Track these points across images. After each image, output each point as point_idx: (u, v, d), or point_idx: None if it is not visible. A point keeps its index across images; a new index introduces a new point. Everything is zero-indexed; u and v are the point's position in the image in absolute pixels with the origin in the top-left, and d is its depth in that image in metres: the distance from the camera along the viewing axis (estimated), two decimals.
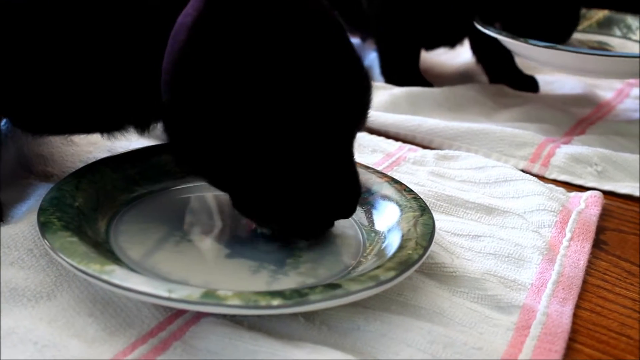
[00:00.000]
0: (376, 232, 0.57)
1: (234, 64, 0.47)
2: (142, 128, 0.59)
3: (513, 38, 0.87)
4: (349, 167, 0.52)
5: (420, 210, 0.57)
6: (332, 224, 0.55)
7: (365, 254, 0.54)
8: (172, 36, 0.50)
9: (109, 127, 0.59)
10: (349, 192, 0.52)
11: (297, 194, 0.50)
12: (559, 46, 0.84)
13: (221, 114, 0.48)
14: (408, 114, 0.87)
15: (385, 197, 0.60)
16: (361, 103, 0.51)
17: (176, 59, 0.49)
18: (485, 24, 0.91)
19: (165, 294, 0.44)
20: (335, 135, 0.50)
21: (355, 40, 1.15)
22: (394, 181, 0.62)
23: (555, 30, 0.91)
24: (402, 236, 0.54)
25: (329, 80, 0.48)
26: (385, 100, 0.89)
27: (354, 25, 1.05)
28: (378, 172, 0.63)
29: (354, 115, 0.50)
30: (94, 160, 0.61)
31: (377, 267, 0.49)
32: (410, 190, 0.60)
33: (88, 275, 0.45)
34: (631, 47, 0.96)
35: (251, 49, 0.47)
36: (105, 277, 0.45)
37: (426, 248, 0.52)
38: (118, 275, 0.45)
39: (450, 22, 0.95)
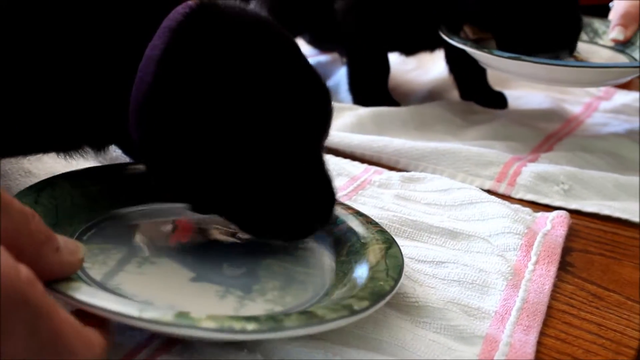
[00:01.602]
0: (343, 263, 0.56)
1: (203, 95, 0.50)
2: (99, 148, 0.59)
3: (477, 48, 0.86)
4: (322, 173, 0.55)
5: (387, 243, 0.56)
6: (314, 229, 0.56)
7: (333, 284, 0.54)
8: (140, 68, 0.51)
9: (66, 146, 0.59)
10: (324, 194, 0.55)
11: (276, 203, 0.53)
12: (523, 57, 0.83)
13: (195, 142, 0.50)
14: (374, 135, 0.86)
15: (351, 230, 0.59)
16: (323, 114, 0.55)
17: (146, 92, 0.51)
18: (452, 31, 0.90)
19: (136, 314, 0.42)
20: (303, 148, 0.54)
21: (328, 57, 1.15)
22: (358, 214, 0.61)
23: (556, 41, 0.88)
24: (371, 268, 0.53)
25: (292, 98, 0.52)
26: (352, 121, 0.89)
27: (328, 41, 1.05)
28: (343, 204, 0.62)
29: (318, 126, 0.55)
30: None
31: (350, 297, 0.49)
32: (376, 223, 0.60)
33: (53, 290, 0.43)
34: (598, 52, 0.95)
35: (218, 79, 0.50)
36: (71, 293, 0.43)
37: (397, 280, 0.51)
38: (85, 292, 0.43)
39: (424, 29, 0.94)
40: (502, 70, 0.89)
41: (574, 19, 0.87)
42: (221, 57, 0.51)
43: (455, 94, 1.03)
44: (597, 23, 0.98)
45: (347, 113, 0.91)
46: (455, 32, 0.91)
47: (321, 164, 0.56)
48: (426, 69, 1.14)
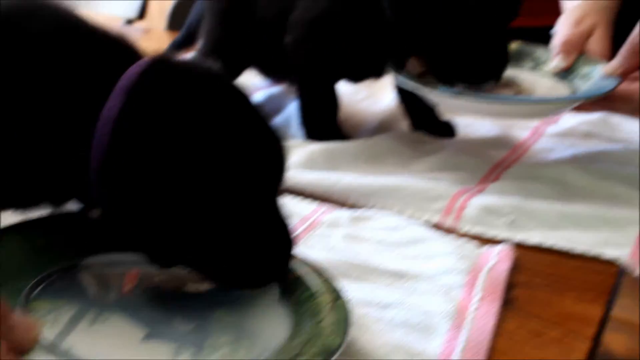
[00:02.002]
0: (293, 313, 0.58)
1: (159, 153, 0.52)
2: (59, 204, 0.61)
3: (420, 84, 0.88)
4: (279, 220, 0.57)
5: (335, 293, 0.58)
6: (273, 277, 0.58)
7: (284, 336, 0.55)
8: (98, 129, 0.53)
9: (27, 204, 0.60)
10: (282, 242, 0.58)
11: (235, 252, 0.55)
12: (465, 94, 0.86)
13: (154, 198, 0.52)
14: (325, 171, 0.88)
15: (300, 279, 0.60)
16: (276, 164, 0.57)
17: (105, 151, 0.53)
18: (399, 65, 0.92)
19: None
20: (259, 197, 0.56)
21: (280, 88, 1.16)
22: (305, 263, 0.62)
23: (485, 67, 0.90)
24: (320, 321, 0.55)
25: (246, 151, 0.54)
26: (303, 159, 0.90)
27: (279, 72, 1.07)
28: None
29: (272, 176, 0.57)
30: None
31: (302, 353, 0.50)
32: (324, 272, 0.61)
33: None
34: (540, 81, 0.97)
35: (172, 137, 0.52)
36: None
37: (346, 332, 0.53)
38: None
39: (371, 59, 0.96)
40: (447, 105, 0.91)
41: (500, 51, 0.89)
42: (174, 115, 0.53)
43: (406, 124, 1.05)
44: (539, 51, 1.00)
45: (297, 150, 0.92)
46: (402, 66, 0.93)
47: (277, 212, 0.58)
48: (377, 98, 1.15)
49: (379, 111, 1.11)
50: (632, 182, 0.90)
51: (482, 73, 0.89)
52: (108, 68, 0.56)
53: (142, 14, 1.95)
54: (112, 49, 0.58)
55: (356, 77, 1.01)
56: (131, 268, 0.62)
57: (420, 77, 0.92)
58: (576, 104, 0.90)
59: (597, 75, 0.90)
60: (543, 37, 1.03)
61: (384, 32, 0.89)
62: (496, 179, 0.89)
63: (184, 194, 0.53)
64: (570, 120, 1.10)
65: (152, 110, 0.53)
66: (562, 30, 0.96)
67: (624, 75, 0.87)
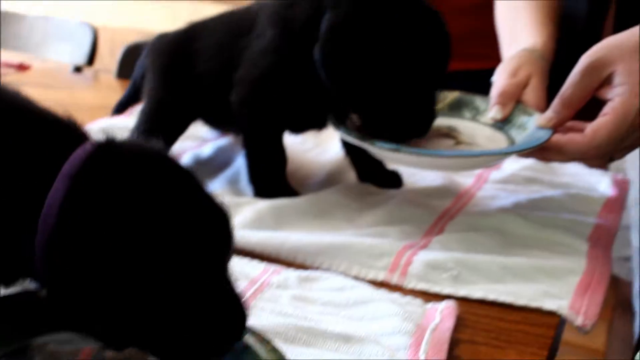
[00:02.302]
0: None
1: (104, 237, 0.53)
2: (8, 284, 0.62)
3: (360, 139, 0.90)
4: (229, 293, 0.58)
5: None
6: (226, 349, 0.59)
7: None
8: (44, 213, 0.54)
9: None
10: (234, 314, 0.58)
11: (185, 328, 0.55)
12: (402, 148, 0.88)
13: (101, 281, 0.53)
14: (273, 229, 0.90)
15: (247, 349, 0.61)
16: (224, 239, 0.58)
17: (50, 236, 0.54)
18: (340, 119, 0.94)
19: None
20: (208, 273, 0.56)
21: (229, 141, 1.18)
22: (252, 333, 0.64)
23: (411, 124, 0.93)
24: None
25: (192, 229, 0.55)
26: (251, 217, 0.92)
27: (226, 125, 1.09)
28: None
29: (220, 251, 0.58)
30: None
31: None
32: (269, 342, 0.62)
33: None
34: (478, 130, 0.99)
35: (117, 220, 0.53)
36: None
37: None
38: None
39: (313, 113, 0.99)
40: (388, 158, 0.94)
41: (426, 108, 0.92)
42: (117, 199, 0.54)
43: (353, 175, 1.07)
44: (478, 101, 1.03)
45: (246, 208, 0.94)
46: (342, 120, 0.95)
47: (228, 283, 0.58)
48: (324, 147, 1.18)
49: (326, 161, 1.13)
50: (572, 229, 0.93)
51: (409, 129, 0.92)
52: (54, 151, 0.57)
53: (91, 59, 1.96)
54: (58, 131, 0.60)
55: (298, 130, 1.04)
56: (84, 346, 0.62)
57: (360, 131, 0.94)
58: (511, 156, 0.93)
59: (532, 126, 0.92)
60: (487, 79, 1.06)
61: (322, 90, 0.92)
62: (440, 231, 0.92)
63: (128, 277, 0.53)
64: (512, 165, 1.13)
65: (95, 195, 0.54)
66: (499, 80, 0.98)
67: (556, 126, 0.90)
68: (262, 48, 0.95)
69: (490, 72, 1.01)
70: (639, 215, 1.33)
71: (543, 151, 0.89)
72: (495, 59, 1.07)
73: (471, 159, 0.91)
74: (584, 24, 1.29)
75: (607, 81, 0.87)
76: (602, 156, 0.88)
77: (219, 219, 0.58)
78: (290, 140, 1.07)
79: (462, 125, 1.00)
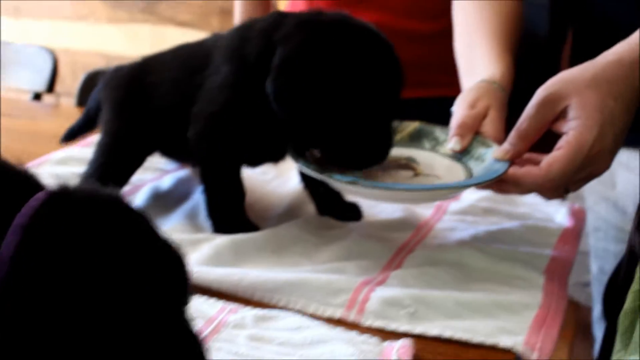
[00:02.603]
0: None
1: (56, 292, 0.53)
2: None
3: (317, 172, 0.91)
4: (187, 336, 0.59)
5: None
6: None
7: None
8: None
9: None
10: (193, 356, 0.59)
11: None
12: (360, 182, 0.88)
13: (56, 336, 0.53)
14: (232, 265, 0.90)
15: None
16: (180, 283, 0.59)
17: (1, 290, 0.53)
18: (298, 152, 0.95)
19: None
20: (166, 316, 0.57)
21: (187, 173, 1.18)
22: None
23: (369, 153, 0.94)
24: None
25: (146, 275, 0.55)
26: (208, 254, 0.91)
27: (184, 157, 1.10)
28: None
29: (177, 295, 0.58)
30: None
31: None
32: None
33: None
34: (437, 161, 1.00)
35: (70, 273, 0.53)
36: None
37: None
38: None
39: (271, 147, 1.00)
40: (346, 191, 0.94)
41: (383, 137, 0.93)
42: (70, 249, 0.54)
43: (313, 207, 1.07)
44: (438, 131, 1.03)
45: (204, 245, 0.94)
46: (300, 152, 0.95)
47: (186, 326, 0.59)
48: (286, 177, 1.18)
49: (287, 193, 1.14)
50: (528, 261, 0.94)
51: (367, 158, 0.93)
52: (6, 202, 0.57)
53: (51, 87, 1.94)
54: (9, 182, 0.59)
55: (256, 163, 1.04)
56: None
57: (319, 163, 0.94)
58: (468, 189, 0.93)
59: (490, 158, 0.93)
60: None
61: (278, 123, 0.93)
62: (398, 265, 0.92)
63: (82, 328, 0.53)
64: (471, 196, 1.15)
65: (47, 246, 0.54)
66: (458, 112, 0.99)
67: (513, 159, 0.90)
68: (217, 84, 0.96)
69: (454, 99, 1.02)
70: (596, 243, 1.35)
71: (500, 184, 0.90)
72: (458, 86, 1.08)
73: (427, 192, 0.92)
74: (543, 49, 1.32)
75: (562, 115, 0.87)
76: (557, 189, 0.89)
77: (173, 263, 0.58)
78: (252, 171, 1.07)
79: (422, 156, 1.01)
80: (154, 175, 1.18)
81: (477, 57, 1.08)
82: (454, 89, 1.08)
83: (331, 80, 0.89)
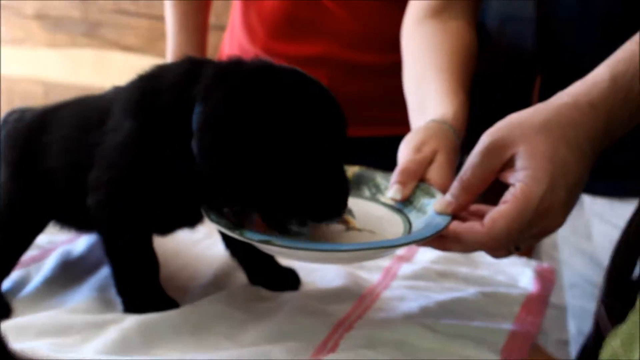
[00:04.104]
0: None
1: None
2: None
3: (228, 228, 0.85)
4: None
5: None
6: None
7: None
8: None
9: None
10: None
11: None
12: (274, 240, 0.83)
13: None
14: (140, 353, 0.84)
15: None
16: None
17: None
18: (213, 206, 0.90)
19: None
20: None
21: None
22: None
23: (322, 206, 0.88)
24: None
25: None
26: (114, 339, 0.85)
27: (87, 230, 1.04)
28: None
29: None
30: None
31: None
32: None
33: None
34: (375, 212, 0.95)
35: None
36: None
37: None
38: None
39: (183, 211, 0.96)
40: (264, 250, 0.89)
41: (335, 185, 0.88)
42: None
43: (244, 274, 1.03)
44: (379, 177, 0.98)
45: (110, 328, 0.88)
46: (216, 207, 0.90)
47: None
48: (215, 239, 1.13)
49: (216, 257, 1.09)
50: (483, 339, 0.89)
51: (321, 212, 0.88)
52: None
53: None
54: None
55: (167, 231, 1.00)
56: None
57: (237, 217, 0.90)
58: (400, 248, 0.89)
59: (432, 210, 0.88)
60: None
61: (193, 186, 0.89)
62: (334, 347, 0.87)
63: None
64: (425, 255, 1.11)
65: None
66: (402, 156, 0.94)
67: (455, 212, 0.86)
68: (118, 142, 0.90)
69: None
70: (573, 300, 1.31)
71: (441, 240, 0.85)
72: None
73: (353, 252, 0.85)
74: (530, 65, 1.28)
75: (509, 163, 0.84)
76: (503, 247, 0.85)
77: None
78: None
79: (359, 205, 0.96)
80: (66, 236, 1.12)
81: (428, 93, 1.05)
82: (406, 127, 1.04)
83: (264, 132, 0.84)
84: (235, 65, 0.89)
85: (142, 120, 0.90)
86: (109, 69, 2.46)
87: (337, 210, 0.89)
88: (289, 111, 0.86)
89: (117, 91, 0.96)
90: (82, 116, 0.97)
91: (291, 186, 0.86)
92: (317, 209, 0.88)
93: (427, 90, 1.05)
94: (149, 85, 0.92)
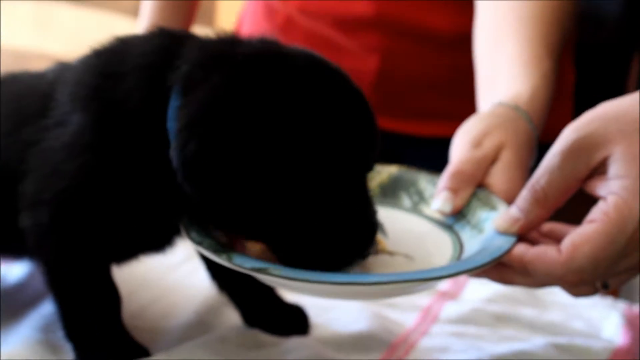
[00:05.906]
0: None
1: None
2: None
3: (214, 251, 0.75)
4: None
5: None
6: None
7: None
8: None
9: None
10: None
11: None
12: (272, 269, 0.72)
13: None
14: None
15: None
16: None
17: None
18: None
19: None
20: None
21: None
22: None
23: (345, 245, 0.78)
24: None
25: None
26: None
27: (22, 256, 0.95)
28: None
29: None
30: None
31: None
32: None
33: None
34: (420, 228, 0.86)
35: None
36: None
37: None
38: None
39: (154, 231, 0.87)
40: (262, 281, 0.80)
41: (362, 218, 0.78)
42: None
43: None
44: (423, 181, 0.89)
45: None
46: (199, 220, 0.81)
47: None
48: (198, 265, 1.02)
49: (200, 286, 1.00)
50: None
51: (344, 252, 0.77)
52: None
53: None
54: None
55: (129, 257, 0.90)
56: None
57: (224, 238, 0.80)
58: (447, 279, 0.80)
59: (491, 227, 0.79)
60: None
61: (169, 199, 0.79)
62: None
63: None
64: (477, 290, 1.01)
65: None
66: (455, 153, 0.86)
67: (523, 232, 0.77)
68: (64, 144, 0.80)
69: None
70: None
71: (501, 269, 0.77)
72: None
73: (380, 286, 0.74)
74: (613, 41, 1.21)
75: (599, 169, 0.76)
76: (586, 282, 0.76)
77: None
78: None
79: (395, 218, 0.86)
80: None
81: (500, 61, 0.97)
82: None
83: (269, 140, 0.74)
84: (228, 46, 0.79)
85: (96, 113, 0.80)
86: (51, 29, 2.35)
87: (360, 252, 0.78)
88: (303, 112, 0.76)
89: (63, 70, 0.86)
90: (11, 102, 0.88)
91: (301, 218, 0.76)
92: (333, 251, 0.77)
93: (501, 57, 0.97)
94: (107, 66, 0.82)
